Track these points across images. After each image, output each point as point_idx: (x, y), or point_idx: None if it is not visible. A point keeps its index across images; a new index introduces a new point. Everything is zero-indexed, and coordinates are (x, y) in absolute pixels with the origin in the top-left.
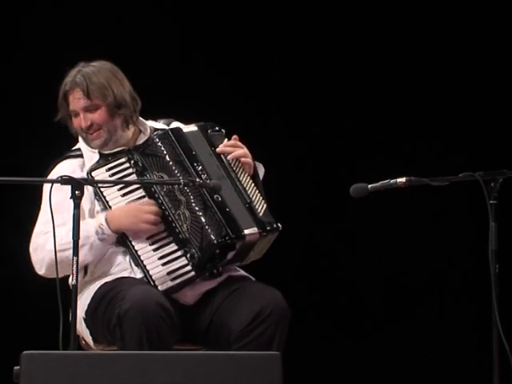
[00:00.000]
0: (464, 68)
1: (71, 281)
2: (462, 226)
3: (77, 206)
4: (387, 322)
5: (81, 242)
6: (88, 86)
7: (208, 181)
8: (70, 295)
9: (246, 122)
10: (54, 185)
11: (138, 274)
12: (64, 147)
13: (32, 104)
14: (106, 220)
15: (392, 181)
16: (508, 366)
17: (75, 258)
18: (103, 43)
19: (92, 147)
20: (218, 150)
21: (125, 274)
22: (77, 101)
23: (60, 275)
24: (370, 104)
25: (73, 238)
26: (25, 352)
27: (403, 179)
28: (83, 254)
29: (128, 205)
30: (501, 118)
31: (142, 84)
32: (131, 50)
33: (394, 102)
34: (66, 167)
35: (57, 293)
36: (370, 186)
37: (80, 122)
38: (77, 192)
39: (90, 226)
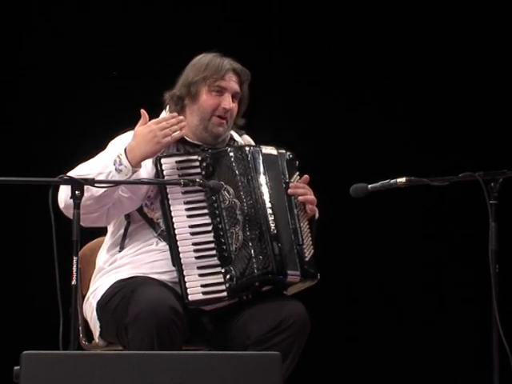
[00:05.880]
0: (464, 68)
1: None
2: (462, 226)
3: (77, 206)
4: (386, 322)
5: (99, 170)
6: (246, 78)
7: (211, 181)
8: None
9: (246, 123)
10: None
11: (164, 276)
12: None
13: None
14: (125, 150)
15: (392, 181)
16: (508, 365)
17: (75, 258)
18: None
19: (211, 132)
20: (290, 186)
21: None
22: (233, 83)
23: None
24: (370, 104)
25: (72, 239)
26: (25, 352)
27: (403, 179)
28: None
29: (139, 130)
30: (500, 118)
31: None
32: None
33: (395, 101)
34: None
35: (57, 293)
36: (369, 185)
37: (221, 101)
38: (77, 192)
39: (111, 157)
